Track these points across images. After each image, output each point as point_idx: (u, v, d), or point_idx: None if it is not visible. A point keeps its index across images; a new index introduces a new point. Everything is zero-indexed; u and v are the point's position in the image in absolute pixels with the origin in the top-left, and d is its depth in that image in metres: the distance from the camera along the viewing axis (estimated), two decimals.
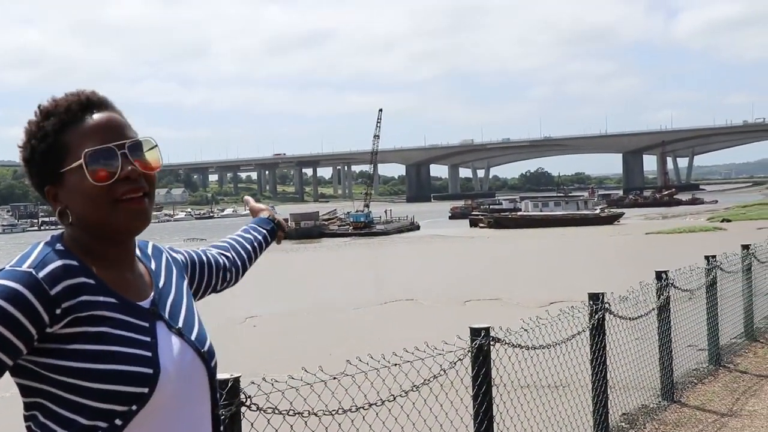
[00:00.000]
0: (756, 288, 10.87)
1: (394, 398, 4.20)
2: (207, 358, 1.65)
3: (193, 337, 1.63)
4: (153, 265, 1.72)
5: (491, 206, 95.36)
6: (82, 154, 1.52)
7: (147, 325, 1.55)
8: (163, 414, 1.51)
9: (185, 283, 1.80)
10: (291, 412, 3.60)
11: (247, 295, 23.79)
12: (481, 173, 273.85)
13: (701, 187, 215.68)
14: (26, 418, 1.53)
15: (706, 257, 9.40)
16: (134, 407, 1.47)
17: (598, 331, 6.36)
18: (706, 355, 9.06)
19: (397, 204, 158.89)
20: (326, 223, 78.45)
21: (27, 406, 1.53)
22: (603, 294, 6.45)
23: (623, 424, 6.82)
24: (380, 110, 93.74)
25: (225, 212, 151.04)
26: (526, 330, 5.33)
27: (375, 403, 4.10)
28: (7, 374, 1.47)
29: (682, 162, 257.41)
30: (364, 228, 72.23)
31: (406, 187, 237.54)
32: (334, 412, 3.85)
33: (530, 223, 71.57)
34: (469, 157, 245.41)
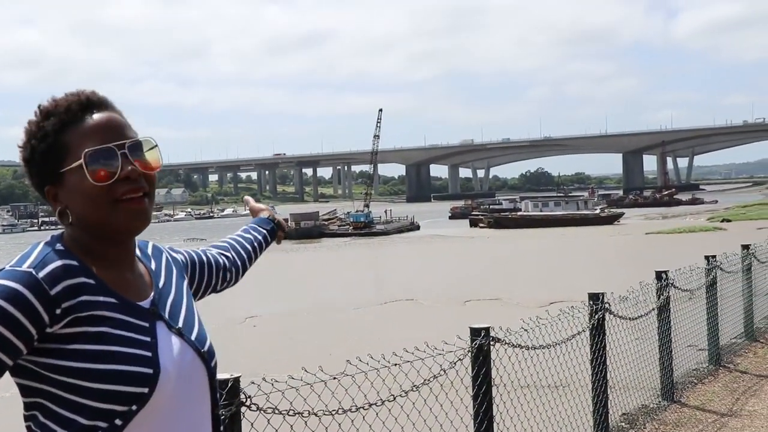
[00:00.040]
0: (756, 288, 10.87)
1: (394, 398, 4.20)
2: (207, 358, 1.65)
3: (193, 337, 1.63)
4: (153, 265, 1.72)
5: (491, 206, 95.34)
6: (82, 154, 1.52)
7: (147, 325, 1.55)
8: (163, 414, 1.51)
9: (185, 283, 1.80)
10: (291, 412, 3.60)
11: (247, 295, 23.79)
12: (481, 173, 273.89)
13: (701, 187, 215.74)
14: (26, 418, 1.53)
15: (706, 257, 9.40)
16: (134, 407, 1.47)
17: (598, 331, 6.35)
18: (706, 355, 9.06)
19: (397, 204, 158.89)
20: (326, 223, 78.44)
21: (27, 406, 1.53)
22: (603, 294, 6.45)
23: (623, 424, 6.82)
24: (380, 110, 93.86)
25: (225, 212, 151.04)
26: (526, 330, 5.33)
27: (375, 403, 4.10)
28: (7, 374, 1.47)
29: (682, 162, 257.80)
30: (364, 228, 72.23)
31: (406, 187, 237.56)
32: (334, 412, 3.85)
33: (530, 223, 71.56)
34: (469, 157, 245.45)
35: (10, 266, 1.47)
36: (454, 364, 4.69)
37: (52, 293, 1.44)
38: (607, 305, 6.47)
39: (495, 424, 4.97)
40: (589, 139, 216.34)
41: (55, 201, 1.58)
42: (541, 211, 79.07)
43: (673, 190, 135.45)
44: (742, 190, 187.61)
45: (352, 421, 4.11)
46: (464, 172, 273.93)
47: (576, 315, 6.05)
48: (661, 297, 7.72)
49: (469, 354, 4.79)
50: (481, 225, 74.71)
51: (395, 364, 4.25)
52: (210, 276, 2.00)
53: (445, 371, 4.58)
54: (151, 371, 1.49)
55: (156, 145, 1.63)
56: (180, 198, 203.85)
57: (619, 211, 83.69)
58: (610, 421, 6.41)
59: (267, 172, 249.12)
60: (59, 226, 1.61)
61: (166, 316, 1.61)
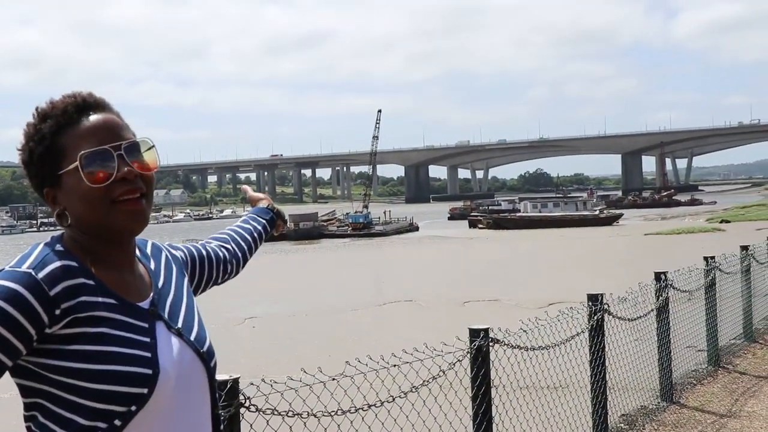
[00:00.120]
0: (755, 289, 10.88)
1: (393, 399, 4.20)
2: (206, 358, 1.65)
3: (192, 338, 1.63)
4: (152, 265, 1.72)
5: (490, 207, 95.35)
6: (78, 157, 1.52)
7: (146, 325, 1.55)
8: (162, 414, 1.52)
9: (185, 280, 1.80)
10: (290, 413, 3.60)
11: (247, 296, 23.79)
12: (480, 174, 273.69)
13: (700, 188, 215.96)
14: (26, 419, 1.53)
15: (705, 258, 9.41)
16: (133, 408, 1.47)
17: (597, 332, 6.35)
18: (705, 356, 9.06)
19: (396, 205, 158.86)
20: (325, 224, 78.44)
21: (27, 407, 1.53)
22: (602, 295, 6.44)
23: (622, 425, 6.82)
24: (379, 111, 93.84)
25: (224, 213, 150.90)
26: (525, 331, 5.33)
27: (374, 405, 4.09)
28: (7, 375, 1.48)
29: (681, 163, 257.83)
30: (363, 229, 72.26)
31: (405, 188, 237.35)
32: (333, 414, 3.85)
33: (529, 224, 71.56)
34: (468, 158, 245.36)
35: (10, 267, 1.47)
36: (453, 365, 4.69)
37: (51, 294, 1.44)
38: (606, 306, 6.47)
39: (494, 425, 4.96)
40: (588, 140, 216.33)
41: (53, 203, 1.58)
42: (540, 212, 79.07)
43: (672, 191, 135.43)
44: (740, 191, 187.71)
45: (351, 422, 4.11)
46: (463, 173, 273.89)
47: (575, 316, 6.05)
48: (660, 298, 7.72)
49: (468, 355, 4.79)
50: (480, 226, 74.67)
51: (394, 366, 4.25)
52: (211, 270, 2.00)
53: (444, 372, 4.58)
54: (150, 372, 1.49)
55: (153, 146, 1.63)
56: (179, 199, 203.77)
57: (618, 212, 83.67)
58: (609, 422, 6.41)
59: (266, 173, 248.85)
60: (58, 228, 1.61)
61: (166, 316, 1.61)
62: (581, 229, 63.58)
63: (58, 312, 1.45)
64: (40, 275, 1.45)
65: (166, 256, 1.80)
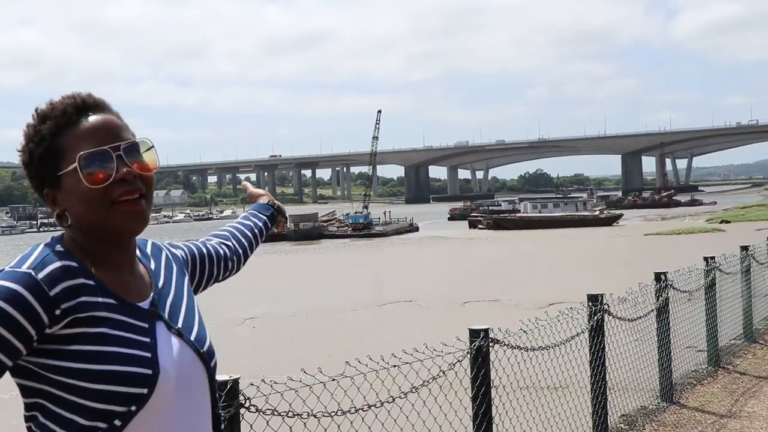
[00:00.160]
0: (755, 289, 10.88)
1: (393, 400, 4.20)
2: (206, 358, 1.65)
3: (192, 338, 1.63)
4: (152, 265, 1.72)
5: (490, 207, 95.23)
6: (77, 157, 1.52)
7: (146, 325, 1.55)
8: (162, 415, 1.52)
9: (186, 279, 1.80)
10: (290, 414, 3.60)
11: (247, 296, 23.80)
12: (480, 174, 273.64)
13: (700, 188, 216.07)
14: (27, 419, 1.54)
15: (705, 258, 9.41)
16: (133, 408, 1.47)
17: (597, 333, 6.35)
18: (705, 357, 9.06)
19: (396, 205, 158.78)
20: (325, 224, 78.45)
21: (27, 407, 1.53)
22: (602, 295, 6.44)
23: (622, 425, 6.82)
24: (379, 111, 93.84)
25: (224, 214, 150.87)
26: (525, 331, 5.33)
27: (374, 405, 4.09)
28: (7, 376, 1.48)
29: (681, 163, 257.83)
30: (363, 229, 72.23)
31: (405, 189, 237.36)
32: (333, 414, 3.85)
33: (529, 225, 71.55)
34: (468, 159, 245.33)
35: (10, 267, 1.47)
36: (453, 365, 4.69)
37: (51, 294, 1.44)
38: (606, 306, 6.47)
39: (494, 426, 4.96)
40: (588, 141, 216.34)
41: (53, 203, 1.59)
42: (540, 212, 79.05)
43: (672, 191, 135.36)
44: (740, 192, 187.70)
45: (351, 422, 4.11)
46: (463, 174, 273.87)
47: (575, 316, 6.05)
48: (660, 298, 7.72)
49: (468, 355, 4.78)
50: (480, 226, 74.65)
51: (394, 366, 4.25)
52: (211, 268, 2.00)
53: (444, 373, 4.58)
54: (150, 372, 1.49)
55: (152, 146, 1.63)
56: (179, 199, 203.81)
57: (618, 212, 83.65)
58: (609, 422, 6.41)
59: (266, 174, 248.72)
60: (58, 228, 1.61)
61: (166, 316, 1.61)
62: (581, 230, 63.57)
63: (58, 312, 1.45)
64: (40, 275, 1.45)
65: (167, 255, 1.80)
